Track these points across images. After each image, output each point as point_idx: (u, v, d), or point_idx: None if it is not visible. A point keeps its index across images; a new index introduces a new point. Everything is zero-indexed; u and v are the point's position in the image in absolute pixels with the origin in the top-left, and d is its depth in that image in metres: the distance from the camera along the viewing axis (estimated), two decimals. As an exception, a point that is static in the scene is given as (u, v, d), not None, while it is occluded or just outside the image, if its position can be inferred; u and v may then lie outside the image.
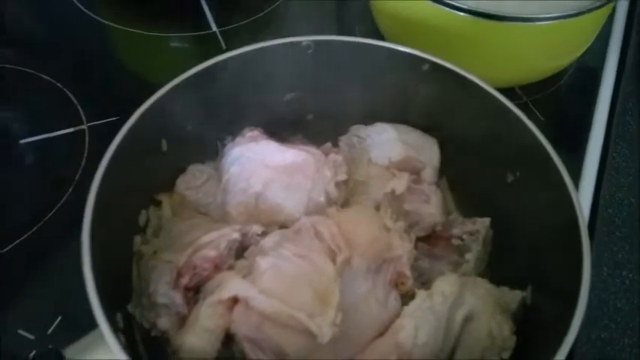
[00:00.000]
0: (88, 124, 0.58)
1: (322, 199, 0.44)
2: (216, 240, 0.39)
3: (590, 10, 0.53)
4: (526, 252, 0.40)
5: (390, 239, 0.40)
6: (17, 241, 0.49)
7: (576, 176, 0.56)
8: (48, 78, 0.62)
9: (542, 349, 0.33)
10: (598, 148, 0.60)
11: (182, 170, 0.47)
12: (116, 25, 0.70)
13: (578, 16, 0.52)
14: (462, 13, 0.51)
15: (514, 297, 0.39)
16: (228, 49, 0.66)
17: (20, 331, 0.44)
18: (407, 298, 0.39)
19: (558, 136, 0.59)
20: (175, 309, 0.37)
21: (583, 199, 0.53)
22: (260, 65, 0.45)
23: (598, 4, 0.53)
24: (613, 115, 0.63)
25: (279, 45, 0.45)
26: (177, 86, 0.42)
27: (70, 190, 0.53)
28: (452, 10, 0.52)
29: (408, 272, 0.40)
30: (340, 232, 0.39)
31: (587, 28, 0.58)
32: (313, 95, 0.49)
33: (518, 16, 0.50)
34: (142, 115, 0.40)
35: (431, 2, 0.52)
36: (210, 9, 0.72)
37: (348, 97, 0.49)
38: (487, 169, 0.44)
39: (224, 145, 0.48)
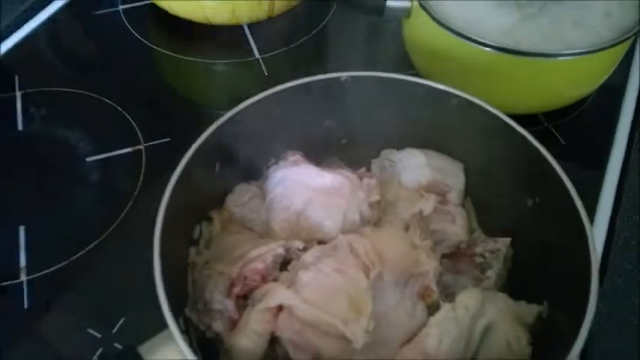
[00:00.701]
0: (145, 145, 0.64)
1: (357, 218, 0.48)
2: (263, 254, 0.44)
3: (612, 45, 0.55)
4: (543, 270, 0.44)
5: (418, 256, 0.44)
6: (84, 250, 0.55)
7: (595, 196, 0.60)
8: (108, 101, 0.68)
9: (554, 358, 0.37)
10: (617, 168, 0.63)
11: (230, 189, 0.53)
12: (166, 52, 0.76)
13: (601, 51, 0.55)
14: (486, 49, 0.56)
15: (531, 311, 0.43)
16: (269, 75, 0.73)
17: (89, 330, 0.50)
18: (433, 309, 0.43)
19: (579, 158, 0.62)
20: (228, 314, 0.42)
21: (600, 219, 0.57)
22: (304, 97, 0.50)
23: (621, 38, 0.55)
24: (634, 135, 0.66)
25: (321, 80, 0.50)
26: (233, 116, 0.47)
27: (130, 204, 0.58)
28: (478, 46, 0.56)
29: (433, 286, 0.44)
30: (373, 249, 0.43)
31: (610, 59, 0.61)
32: (348, 123, 0.54)
33: (541, 52, 0.54)
34: (203, 142, 0.45)
35: (458, 38, 0.56)
36: (253, 37, 0.77)
37: (381, 125, 0.53)
38: (508, 194, 0.48)
39: (268, 167, 0.53)
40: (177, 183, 0.44)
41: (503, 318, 0.42)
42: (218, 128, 0.46)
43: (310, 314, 0.40)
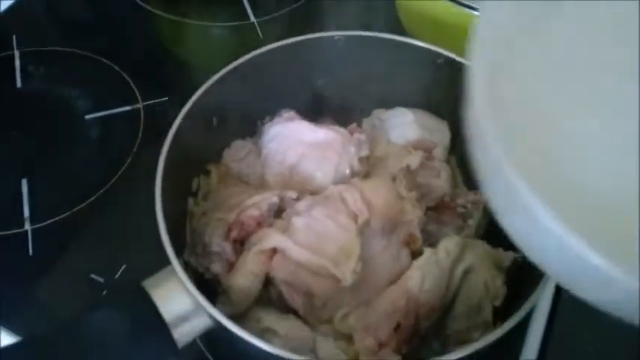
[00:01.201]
0: (143, 103, 0.66)
1: (347, 171, 0.51)
2: (259, 202, 0.47)
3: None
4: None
5: (404, 206, 0.47)
6: (86, 202, 0.57)
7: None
8: (106, 61, 0.70)
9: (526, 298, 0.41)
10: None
11: (227, 145, 0.55)
12: (163, 14, 0.77)
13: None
14: (474, 12, 0.58)
15: (507, 256, 0.46)
16: (264, 39, 0.74)
17: (92, 275, 0.53)
18: (416, 255, 0.46)
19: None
20: (225, 256, 0.45)
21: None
22: (297, 55, 0.52)
23: None
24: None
25: (314, 38, 0.52)
26: (226, 73, 0.49)
27: (129, 160, 0.61)
28: (468, 10, 0.58)
29: (418, 234, 0.47)
30: (362, 198, 0.46)
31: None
32: (341, 82, 0.56)
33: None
34: (198, 98, 0.48)
35: (449, 2, 0.58)
36: (249, 1, 0.79)
37: (372, 84, 0.56)
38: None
39: (263, 124, 0.56)
40: (176, 136, 0.46)
41: (481, 262, 0.45)
42: (213, 84, 0.49)
43: (303, 256, 0.43)
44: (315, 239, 0.44)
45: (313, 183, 0.51)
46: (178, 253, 0.45)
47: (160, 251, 0.40)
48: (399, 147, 0.54)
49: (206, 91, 0.49)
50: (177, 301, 0.38)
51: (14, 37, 0.72)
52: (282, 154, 0.52)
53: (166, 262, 0.40)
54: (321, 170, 0.50)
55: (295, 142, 0.52)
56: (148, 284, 0.39)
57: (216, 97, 0.50)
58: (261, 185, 0.52)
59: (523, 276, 0.45)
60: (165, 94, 0.67)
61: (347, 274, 0.42)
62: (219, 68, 0.68)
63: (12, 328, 0.49)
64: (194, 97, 0.48)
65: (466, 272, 0.45)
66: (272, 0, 0.79)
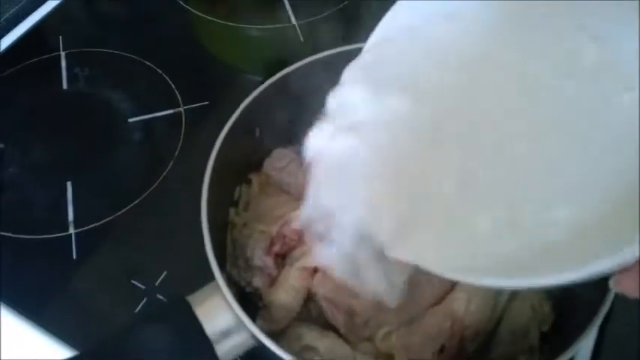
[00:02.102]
0: (184, 107, 0.66)
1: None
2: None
3: None
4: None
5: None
6: (128, 207, 0.58)
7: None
8: (149, 64, 0.70)
9: (576, 327, 0.39)
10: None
11: (269, 153, 0.55)
12: (204, 15, 0.77)
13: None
14: None
15: (555, 280, 0.44)
16: (304, 42, 0.74)
17: (133, 281, 0.53)
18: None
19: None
20: (268, 271, 0.45)
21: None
22: (339, 66, 0.52)
23: None
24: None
25: (358, 48, 0.51)
26: (270, 85, 0.49)
27: (172, 163, 0.61)
28: None
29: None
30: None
31: None
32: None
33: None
34: (242, 111, 0.47)
35: None
36: (290, 3, 0.78)
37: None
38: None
39: (306, 133, 0.55)
40: (223, 144, 0.46)
41: (528, 286, 0.43)
42: (257, 97, 0.48)
43: (344, 279, 0.42)
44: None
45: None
46: (221, 265, 0.45)
47: (200, 258, 0.40)
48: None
49: (249, 104, 0.48)
50: (221, 318, 0.38)
51: (60, 38, 0.73)
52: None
53: (205, 269, 0.40)
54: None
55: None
56: (194, 300, 0.39)
57: (258, 109, 0.49)
58: (303, 195, 0.52)
59: (571, 300, 0.44)
60: (206, 99, 0.67)
61: (393, 296, 0.41)
62: (259, 72, 0.68)
63: (53, 331, 0.50)
64: (238, 111, 0.47)
65: (512, 295, 0.43)
66: (314, 2, 0.78)
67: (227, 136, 0.46)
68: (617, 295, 0.38)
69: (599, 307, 0.38)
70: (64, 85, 0.69)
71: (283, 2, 0.78)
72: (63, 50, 0.72)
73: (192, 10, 0.78)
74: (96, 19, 0.78)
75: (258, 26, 0.76)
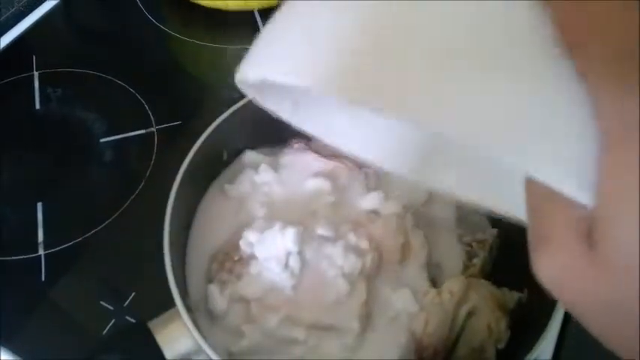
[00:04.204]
0: (157, 127, 0.67)
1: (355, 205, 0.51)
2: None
3: None
4: (526, 261, 0.47)
5: (411, 244, 0.48)
6: (99, 227, 0.58)
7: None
8: (122, 83, 0.71)
9: (530, 341, 0.41)
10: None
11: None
12: (178, 35, 0.78)
13: None
14: None
15: (512, 297, 0.46)
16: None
17: (102, 302, 0.54)
18: (420, 294, 0.47)
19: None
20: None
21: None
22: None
23: None
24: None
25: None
26: (238, 109, 0.50)
27: (143, 184, 0.62)
28: None
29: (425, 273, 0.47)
30: (369, 237, 0.46)
31: None
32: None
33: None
34: (208, 135, 0.48)
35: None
36: (264, 23, 0.79)
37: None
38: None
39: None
40: (188, 169, 0.47)
41: (485, 304, 0.45)
42: (224, 120, 0.49)
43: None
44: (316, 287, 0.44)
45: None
46: (184, 292, 0.46)
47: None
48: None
49: (216, 128, 0.49)
50: (181, 343, 0.38)
51: (34, 57, 0.74)
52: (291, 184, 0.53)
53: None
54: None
55: (304, 172, 0.53)
56: (154, 325, 0.40)
57: (226, 133, 0.50)
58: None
59: (527, 316, 0.45)
60: (179, 118, 0.67)
61: (352, 322, 0.43)
62: (233, 92, 0.69)
63: (20, 354, 0.50)
64: (204, 135, 0.48)
65: (470, 314, 0.45)
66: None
67: (192, 162, 0.47)
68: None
69: (549, 321, 0.39)
70: (37, 105, 0.69)
71: (257, 23, 0.80)
72: (36, 70, 0.73)
73: (168, 30, 0.79)
74: (70, 39, 0.79)
75: (233, 46, 0.77)
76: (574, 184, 0.18)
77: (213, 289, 0.44)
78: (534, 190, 0.20)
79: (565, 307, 0.21)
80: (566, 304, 0.20)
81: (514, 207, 0.26)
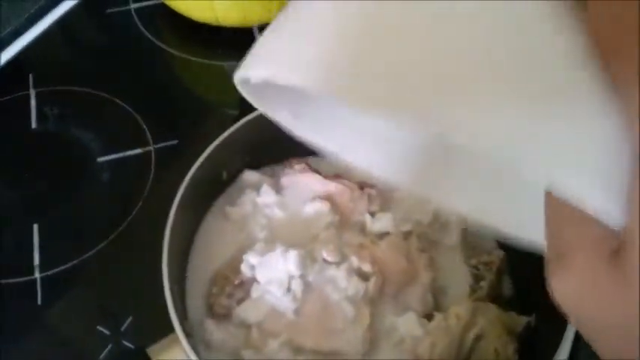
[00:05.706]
0: (155, 146, 0.66)
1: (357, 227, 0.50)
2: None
3: None
4: (534, 282, 0.46)
5: (416, 267, 0.47)
6: (95, 249, 0.57)
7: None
8: (119, 101, 0.70)
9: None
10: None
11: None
12: (176, 52, 0.77)
13: None
14: None
15: (519, 321, 0.45)
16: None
17: (98, 327, 0.52)
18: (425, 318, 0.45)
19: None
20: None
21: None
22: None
23: None
24: None
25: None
26: (235, 130, 0.49)
27: (140, 203, 0.60)
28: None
29: (429, 298, 0.46)
30: (373, 260, 0.45)
31: None
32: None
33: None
34: (208, 155, 0.47)
35: None
36: (263, 40, 0.79)
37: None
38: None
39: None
40: (186, 190, 0.46)
41: (492, 328, 0.44)
42: (222, 142, 0.48)
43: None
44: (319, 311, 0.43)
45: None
46: (183, 316, 0.45)
47: (166, 305, 0.40)
48: (410, 201, 0.53)
49: (216, 147, 0.48)
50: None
51: (30, 76, 0.73)
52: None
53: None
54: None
55: (306, 194, 0.52)
56: (153, 352, 0.39)
57: (226, 152, 0.49)
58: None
59: (535, 341, 0.44)
60: (177, 137, 0.67)
61: (356, 347, 0.42)
62: (235, 107, 0.68)
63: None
64: (204, 154, 0.47)
65: (477, 338, 0.44)
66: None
67: (190, 182, 0.46)
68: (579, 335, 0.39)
69: (558, 347, 0.38)
70: (33, 125, 0.68)
71: (256, 39, 0.79)
72: (33, 88, 0.72)
73: (166, 48, 0.78)
74: (67, 57, 0.78)
75: (231, 62, 0.76)
76: (599, 196, 0.17)
77: (210, 324, 0.43)
78: (555, 206, 0.19)
79: (579, 326, 0.20)
80: (582, 322, 0.19)
81: (524, 228, 0.26)
